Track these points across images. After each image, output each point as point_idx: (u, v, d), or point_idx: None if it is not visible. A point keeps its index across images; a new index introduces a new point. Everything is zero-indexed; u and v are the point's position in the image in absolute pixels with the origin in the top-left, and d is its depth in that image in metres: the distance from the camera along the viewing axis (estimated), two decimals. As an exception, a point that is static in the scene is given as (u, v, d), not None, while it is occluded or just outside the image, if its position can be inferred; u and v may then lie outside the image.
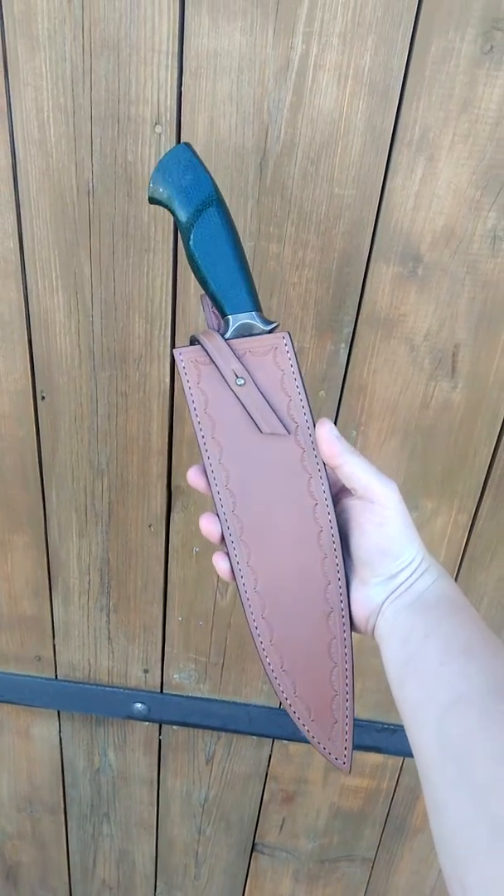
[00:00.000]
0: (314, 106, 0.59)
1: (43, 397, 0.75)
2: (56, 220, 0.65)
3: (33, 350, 0.72)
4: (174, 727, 1.01)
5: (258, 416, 0.50)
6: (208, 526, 0.51)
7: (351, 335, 0.69)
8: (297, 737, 0.97)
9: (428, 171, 0.61)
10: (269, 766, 1.03)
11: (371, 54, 0.57)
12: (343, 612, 0.51)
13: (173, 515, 0.83)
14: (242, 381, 0.50)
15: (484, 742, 0.38)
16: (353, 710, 0.51)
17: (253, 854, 1.15)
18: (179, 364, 0.51)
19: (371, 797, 1.05)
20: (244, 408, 0.50)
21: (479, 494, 0.77)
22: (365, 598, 0.50)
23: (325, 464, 0.51)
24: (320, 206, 0.63)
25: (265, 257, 0.65)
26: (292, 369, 0.51)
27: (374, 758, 1.00)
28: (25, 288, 0.69)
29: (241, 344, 0.50)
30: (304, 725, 0.51)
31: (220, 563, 0.51)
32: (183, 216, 0.51)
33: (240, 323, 0.51)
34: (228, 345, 0.50)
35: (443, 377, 0.71)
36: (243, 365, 0.50)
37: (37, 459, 0.80)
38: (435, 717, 0.41)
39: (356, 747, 0.97)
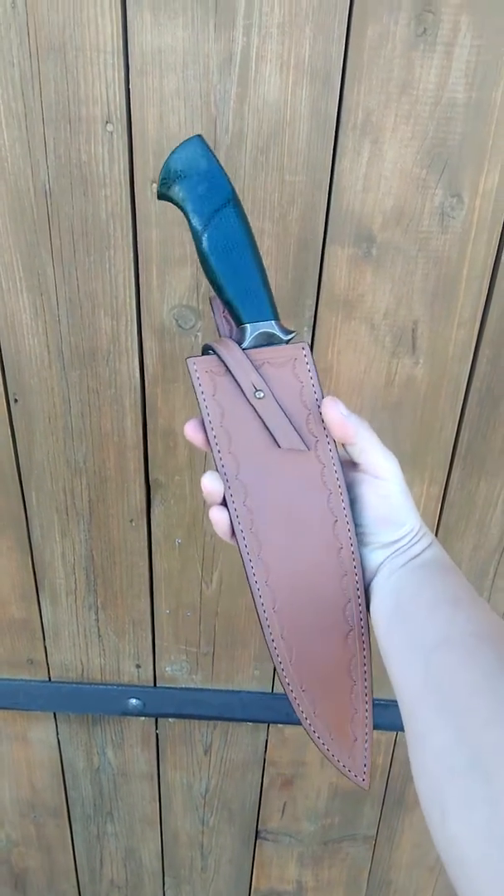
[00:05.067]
0: (259, 96, 0.61)
1: (16, 400, 0.76)
2: (16, 222, 0.66)
3: (2, 353, 0.74)
4: (170, 720, 1.02)
5: (277, 430, 0.49)
6: (211, 485, 0.49)
7: (313, 319, 0.71)
8: (291, 720, 0.98)
9: (374, 153, 0.63)
10: (266, 751, 1.05)
11: (310, 43, 0.59)
12: (363, 630, 0.50)
13: (153, 509, 0.84)
14: (262, 395, 0.48)
15: (466, 676, 0.40)
16: (372, 726, 0.50)
17: (257, 841, 1.17)
18: (193, 374, 0.49)
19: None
20: (263, 422, 0.49)
21: (448, 466, 0.79)
22: (365, 560, 0.52)
23: (342, 470, 0.50)
24: (273, 193, 0.64)
25: (223, 247, 0.67)
26: (312, 381, 0.49)
27: (367, 734, 1.02)
28: (-10, 292, 0.70)
29: (259, 354, 0.49)
30: (323, 744, 0.50)
31: (219, 517, 0.50)
32: (195, 216, 0.48)
33: (259, 332, 0.49)
34: (247, 355, 0.48)
35: (404, 354, 0.73)
36: (262, 376, 0.48)
37: (14, 462, 0.81)
38: (422, 657, 0.43)
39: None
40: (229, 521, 0.50)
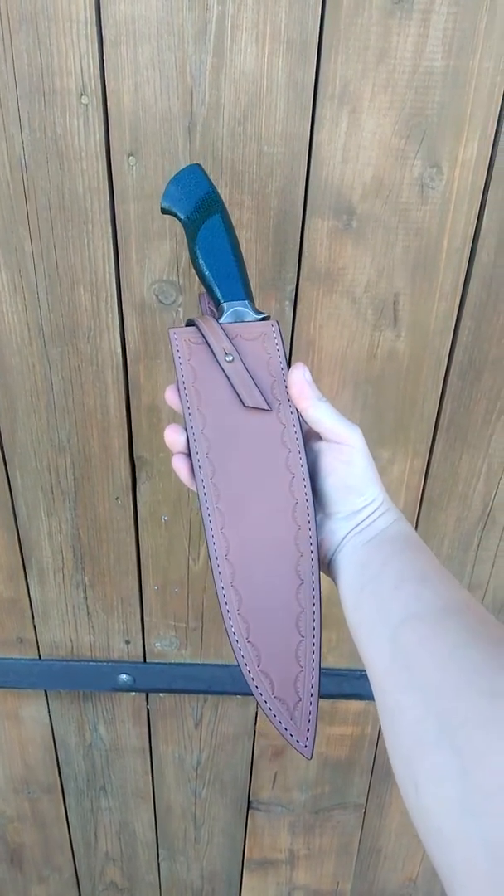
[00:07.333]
0: (235, 66, 0.60)
1: (-3, 379, 0.76)
2: (-8, 198, 0.66)
3: (-17, 332, 0.73)
4: (161, 695, 1.03)
5: (243, 390, 0.53)
6: (173, 436, 0.53)
7: (294, 292, 0.71)
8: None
9: (352, 123, 0.62)
10: (256, 723, 1.06)
11: (286, 11, 0.58)
12: (314, 586, 0.51)
13: (139, 486, 0.84)
14: (231, 358, 0.53)
15: (432, 650, 0.40)
16: (318, 689, 0.50)
17: (249, 812, 1.19)
18: (173, 342, 0.54)
19: (356, 744, 1.08)
20: (230, 383, 0.53)
21: (430, 439, 0.80)
22: (328, 531, 0.52)
23: (301, 432, 0.53)
24: (251, 165, 0.64)
25: (202, 221, 0.66)
26: (278, 354, 0.54)
27: (355, 705, 1.03)
28: (-32, 270, 0.70)
29: (233, 328, 0.54)
30: (265, 702, 0.49)
31: (180, 465, 0.53)
32: (189, 222, 0.56)
33: (233, 310, 0.55)
34: (222, 327, 0.54)
35: (386, 327, 0.73)
36: (234, 346, 0.53)
37: (-2, 441, 0.81)
38: (389, 632, 0.44)
39: (339, 696, 1.00)
40: (190, 469, 0.53)
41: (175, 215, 0.57)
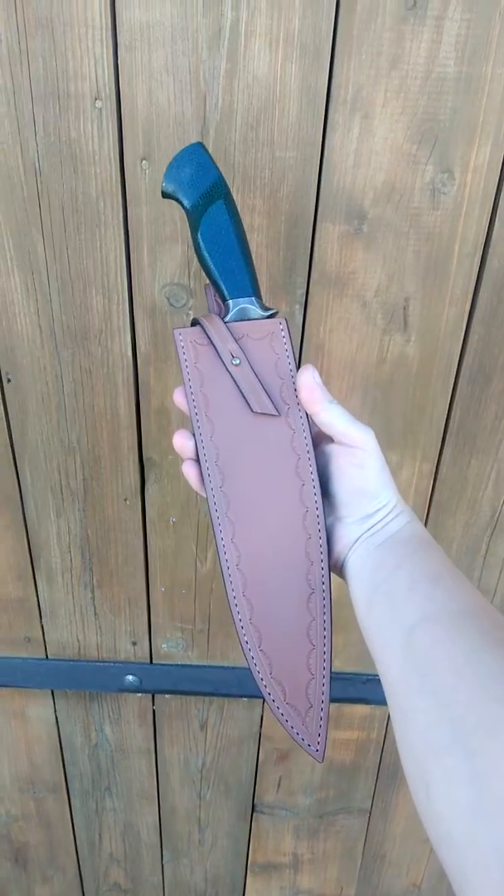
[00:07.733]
0: (249, 72, 0.60)
1: (9, 380, 0.77)
2: (5, 200, 0.66)
3: (-5, 333, 0.74)
4: (167, 696, 1.04)
5: (251, 395, 0.51)
6: (181, 441, 0.52)
7: (304, 296, 0.71)
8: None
9: (364, 128, 0.62)
10: (261, 726, 1.06)
11: (299, 17, 0.58)
12: (324, 595, 0.51)
13: (148, 487, 0.84)
14: (238, 362, 0.52)
15: (447, 654, 0.40)
16: (329, 695, 0.51)
17: (253, 815, 1.19)
18: (178, 343, 0.53)
19: (362, 748, 1.08)
20: (238, 387, 0.52)
21: (440, 443, 0.80)
22: (340, 535, 0.52)
23: (311, 437, 0.52)
24: (263, 170, 0.64)
25: (214, 225, 0.67)
26: (287, 354, 0.53)
27: (361, 709, 1.03)
28: (-18, 271, 0.70)
29: (239, 327, 0.52)
30: (278, 708, 0.50)
31: (190, 471, 0.52)
32: (192, 209, 0.54)
33: (239, 307, 0.53)
34: (227, 327, 0.52)
35: (396, 331, 0.73)
36: (240, 347, 0.52)
37: (8, 442, 0.81)
38: (402, 635, 0.43)
39: (344, 700, 1.00)
40: (200, 476, 0.52)
41: (179, 201, 0.54)
